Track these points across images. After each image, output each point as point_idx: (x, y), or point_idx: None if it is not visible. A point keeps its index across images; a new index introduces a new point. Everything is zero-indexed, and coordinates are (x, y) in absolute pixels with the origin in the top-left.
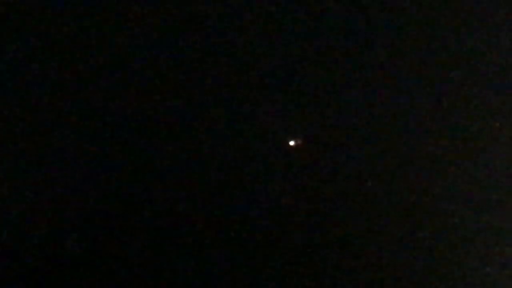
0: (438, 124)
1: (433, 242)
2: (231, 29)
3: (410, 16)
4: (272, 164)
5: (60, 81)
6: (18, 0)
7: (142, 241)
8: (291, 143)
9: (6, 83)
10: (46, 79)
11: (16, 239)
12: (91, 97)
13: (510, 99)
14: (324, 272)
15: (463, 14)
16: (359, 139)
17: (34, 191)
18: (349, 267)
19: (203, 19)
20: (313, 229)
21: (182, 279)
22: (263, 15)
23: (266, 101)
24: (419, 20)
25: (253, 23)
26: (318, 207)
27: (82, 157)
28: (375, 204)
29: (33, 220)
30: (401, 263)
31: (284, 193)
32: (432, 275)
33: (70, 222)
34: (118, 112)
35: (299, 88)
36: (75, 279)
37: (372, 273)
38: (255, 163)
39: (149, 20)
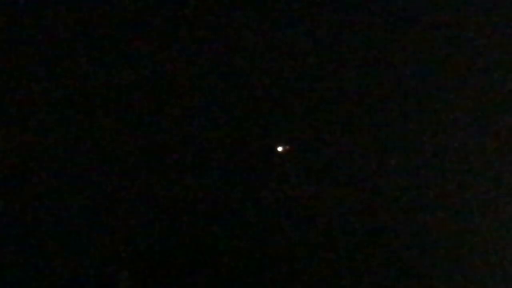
0: (428, 130)
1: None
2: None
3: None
4: (260, 169)
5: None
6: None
7: (189, 280)
8: (279, 148)
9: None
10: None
11: (69, 275)
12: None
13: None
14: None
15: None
16: (346, 144)
17: (87, 229)
18: (338, 269)
19: (196, 26)
20: (299, 231)
21: None
22: (253, 23)
23: (255, 107)
24: (406, 23)
25: (243, 31)
26: (305, 209)
27: (133, 197)
28: (361, 207)
29: (86, 257)
30: (394, 263)
31: (272, 196)
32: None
33: (121, 260)
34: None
35: (288, 95)
36: None
37: (362, 273)
38: (244, 167)
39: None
